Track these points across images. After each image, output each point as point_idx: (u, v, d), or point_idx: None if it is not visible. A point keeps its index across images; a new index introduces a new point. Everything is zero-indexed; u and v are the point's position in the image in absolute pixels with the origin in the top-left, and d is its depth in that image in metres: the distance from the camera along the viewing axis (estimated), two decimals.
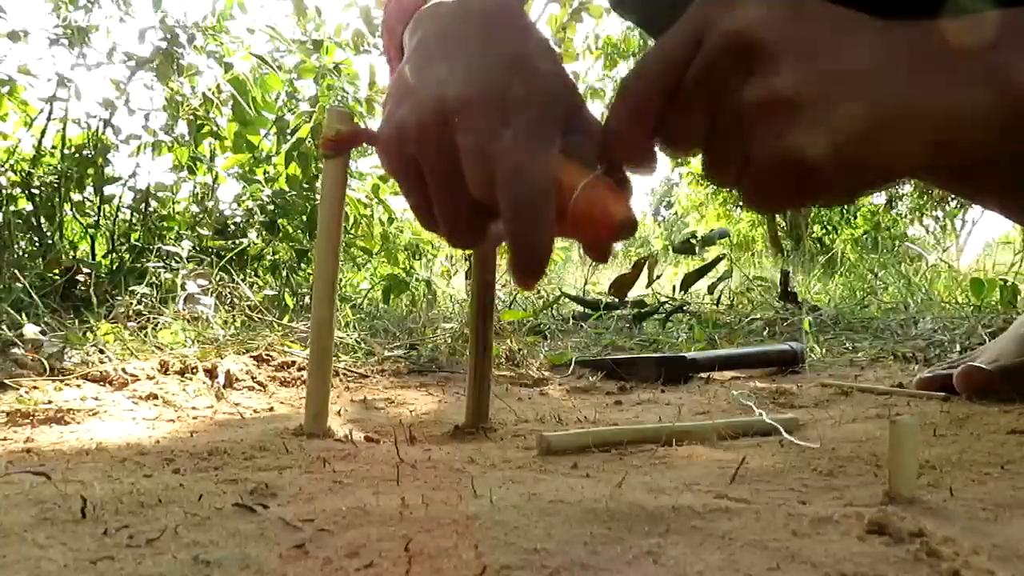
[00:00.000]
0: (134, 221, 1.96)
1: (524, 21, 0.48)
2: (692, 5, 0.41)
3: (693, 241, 2.12)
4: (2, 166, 1.78)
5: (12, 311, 1.19)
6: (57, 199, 1.80)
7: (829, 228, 9.50)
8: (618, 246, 0.47)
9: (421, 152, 0.44)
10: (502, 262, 0.84)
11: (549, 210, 0.41)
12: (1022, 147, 0.37)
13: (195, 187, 2.10)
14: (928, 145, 0.36)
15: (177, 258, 1.67)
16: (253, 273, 1.89)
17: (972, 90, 0.35)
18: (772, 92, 0.37)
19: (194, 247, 1.81)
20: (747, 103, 0.38)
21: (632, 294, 1.95)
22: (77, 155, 1.87)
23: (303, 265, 2.00)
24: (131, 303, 1.34)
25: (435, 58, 0.46)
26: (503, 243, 0.48)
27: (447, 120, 0.43)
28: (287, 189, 2.02)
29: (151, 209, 1.97)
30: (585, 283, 2.61)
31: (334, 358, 1.04)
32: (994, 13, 0.37)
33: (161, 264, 1.64)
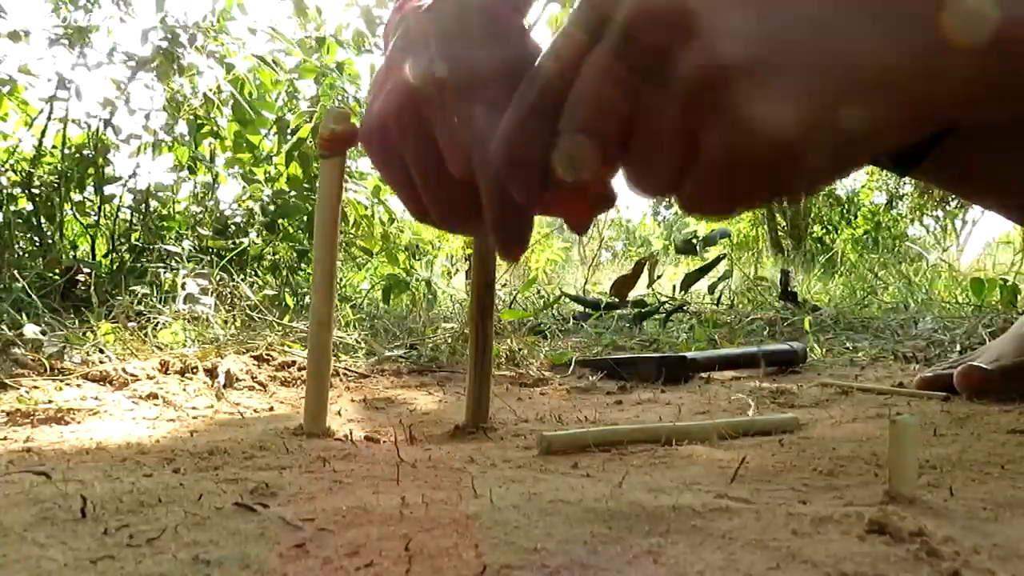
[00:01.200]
0: (134, 221, 1.96)
1: (498, 8, 0.47)
2: None
3: (694, 241, 2.12)
4: (3, 166, 1.78)
5: (12, 311, 1.19)
6: (57, 199, 1.80)
7: (829, 228, 9.50)
8: (601, 218, 0.45)
9: (400, 140, 0.45)
10: (502, 263, 0.84)
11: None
12: (1010, 105, 0.31)
13: (195, 187, 2.10)
14: (905, 103, 0.30)
15: (177, 258, 1.67)
16: (253, 273, 1.89)
17: (947, 29, 0.29)
18: (715, 61, 0.30)
19: (194, 247, 1.81)
20: (683, 84, 0.31)
21: (632, 294, 1.95)
22: (77, 155, 1.88)
23: (303, 265, 2.00)
24: (131, 303, 1.34)
25: (407, 49, 0.46)
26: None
27: (418, 102, 0.43)
28: (287, 189, 2.02)
29: (151, 209, 1.97)
30: (585, 283, 2.61)
31: (334, 358, 1.04)
32: None
33: (161, 264, 1.64)
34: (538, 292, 2.32)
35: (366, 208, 2.16)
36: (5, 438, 0.65)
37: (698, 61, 0.30)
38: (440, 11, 0.47)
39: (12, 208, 1.74)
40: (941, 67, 0.29)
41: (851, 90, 0.30)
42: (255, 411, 0.81)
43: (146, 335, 1.19)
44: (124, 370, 0.91)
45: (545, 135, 0.35)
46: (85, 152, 1.87)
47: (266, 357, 1.05)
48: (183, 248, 1.72)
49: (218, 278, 1.54)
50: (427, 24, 0.47)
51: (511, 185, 0.38)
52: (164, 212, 2.02)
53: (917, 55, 0.29)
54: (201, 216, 2.03)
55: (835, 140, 0.30)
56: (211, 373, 0.95)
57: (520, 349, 1.24)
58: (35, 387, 0.85)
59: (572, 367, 1.15)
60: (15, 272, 1.39)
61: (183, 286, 1.44)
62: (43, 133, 1.86)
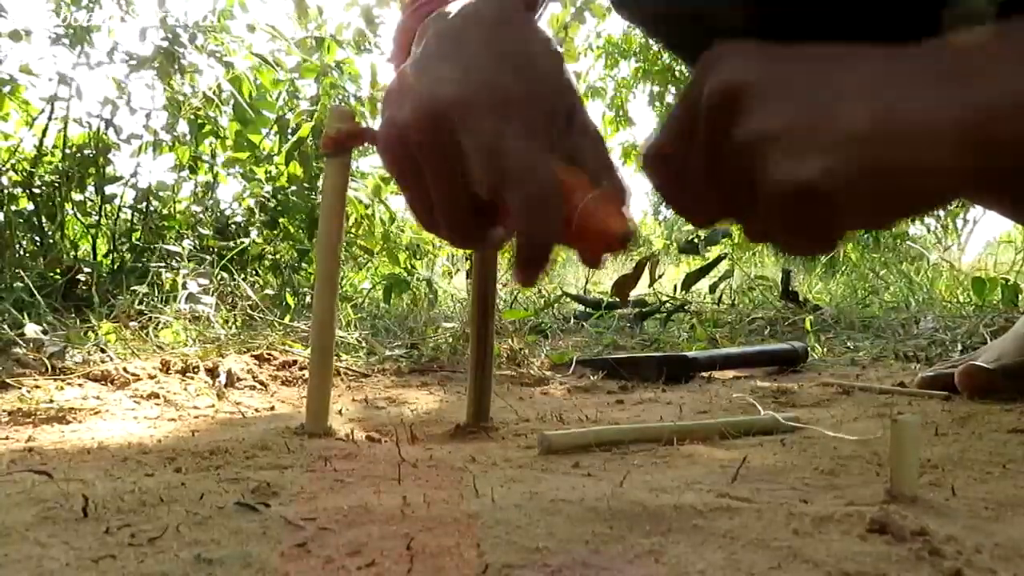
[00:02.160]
0: (135, 221, 1.96)
1: (527, 23, 0.48)
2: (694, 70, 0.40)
3: (696, 241, 2.12)
4: (4, 165, 1.78)
5: (14, 310, 1.19)
6: (58, 199, 1.80)
7: None
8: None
9: (422, 152, 0.45)
10: (503, 261, 0.84)
11: (559, 209, 0.42)
12: None
13: (195, 187, 2.10)
14: (959, 149, 0.32)
15: (178, 257, 1.67)
16: (254, 272, 1.89)
17: (991, 81, 0.32)
18: (758, 127, 0.36)
19: (195, 246, 1.81)
20: (738, 146, 0.37)
21: (633, 293, 1.95)
22: (78, 155, 1.87)
23: (304, 264, 2.00)
24: (132, 302, 1.34)
25: (436, 58, 0.46)
26: (505, 245, 0.48)
27: (448, 120, 0.43)
28: (288, 186, 2.02)
29: (152, 209, 1.97)
30: (586, 283, 2.61)
31: (335, 357, 1.04)
32: (996, 27, 0.34)
33: (162, 264, 1.64)
34: (539, 292, 2.32)
35: (367, 207, 2.16)
36: (7, 438, 0.65)
37: (744, 125, 0.36)
38: (463, 27, 0.47)
39: (13, 208, 1.74)
40: (997, 111, 0.32)
41: (884, 144, 0.33)
42: (256, 410, 0.81)
43: (147, 335, 1.19)
44: (125, 370, 0.92)
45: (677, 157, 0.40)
46: (86, 152, 1.87)
47: (267, 356, 1.05)
48: (184, 248, 1.72)
49: (219, 278, 1.54)
50: (454, 34, 0.47)
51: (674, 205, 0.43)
52: (165, 212, 2.01)
53: (969, 120, 0.32)
54: (202, 216, 2.03)
55: (879, 190, 0.34)
56: (212, 373, 0.95)
57: (521, 349, 1.24)
58: (36, 387, 0.85)
59: (573, 367, 1.15)
60: (16, 272, 1.39)
61: (184, 286, 1.44)
62: (44, 133, 1.86)
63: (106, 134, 1.89)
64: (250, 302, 1.48)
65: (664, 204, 0.43)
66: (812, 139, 0.34)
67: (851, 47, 0.36)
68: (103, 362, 0.97)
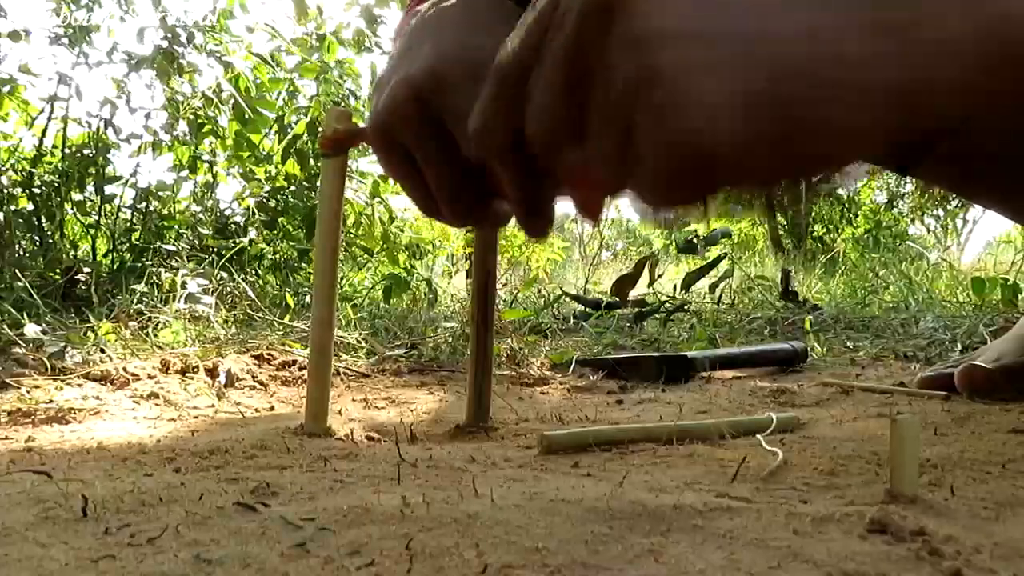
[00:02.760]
0: (135, 220, 1.96)
1: (498, 3, 0.47)
2: None
3: (696, 240, 2.12)
4: (3, 165, 1.78)
5: (13, 310, 1.19)
6: (58, 198, 1.80)
7: (830, 227, 9.50)
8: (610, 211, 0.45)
9: (407, 135, 0.44)
10: (503, 261, 0.84)
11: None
12: (1013, 112, 0.28)
13: (195, 186, 2.10)
14: (882, 114, 0.26)
15: (177, 257, 1.67)
16: (254, 272, 1.89)
17: (939, 28, 0.24)
18: (645, 60, 0.27)
19: (194, 246, 1.81)
20: (617, 82, 0.28)
21: (633, 293, 1.95)
22: (78, 154, 1.88)
23: (304, 264, 2.00)
24: (132, 302, 1.34)
25: (411, 46, 0.46)
26: (509, 220, 0.47)
27: (425, 97, 0.43)
28: (287, 186, 2.02)
29: (152, 208, 1.97)
30: (586, 282, 2.61)
31: (335, 357, 1.04)
32: None
33: (162, 263, 1.64)
34: (539, 291, 2.32)
35: (366, 207, 2.16)
36: (6, 438, 0.65)
37: (627, 55, 0.28)
38: (443, 9, 0.47)
39: (13, 208, 1.74)
40: (934, 74, 0.25)
41: (803, 101, 0.25)
42: (256, 410, 0.81)
43: (147, 334, 1.19)
44: (125, 369, 0.92)
45: (512, 120, 0.34)
46: (86, 152, 1.87)
47: (267, 356, 1.05)
48: (183, 248, 1.72)
49: (218, 277, 1.54)
50: (430, 20, 0.47)
51: (496, 170, 0.37)
52: (165, 211, 2.02)
53: (898, 55, 0.25)
54: (201, 215, 2.03)
55: (787, 153, 0.27)
56: (212, 373, 0.95)
57: (521, 348, 1.24)
58: (36, 387, 0.85)
59: (573, 366, 1.15)
60: (16, 272, 1.39)
61: (183, 285, 1.44)
62: (44, 133, 1.86)
63: (106, 134, 1.89)
64: (250, 302, 1.48)
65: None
66: (721, 82, 0.26)
67: None
68: (103, 362, 0.97)
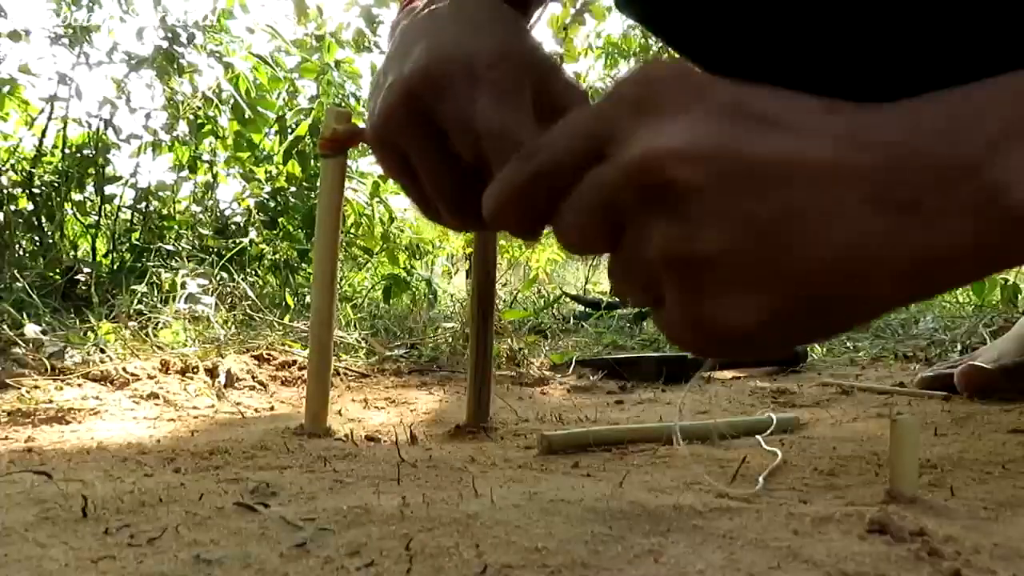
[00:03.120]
0: (135, 221, 1.96)
1: (493, 4, 0.47)
2: (600, 101, 0.33)
3: None
4: (3, 165, 1.78)
5: (13, 310, 1.19)
6: (58, 199, 1.80)
7: None
8: None
9: (402, 136, 0.44)
10: (503, 262, 0.84)
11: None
12: (1007, 268, 0.29)
13: (195, 187, 2.10)
14: (895, 290, 0.28)
15: (177, 257, 1.67)
16: (253, 272, 1.89)
17: (952, 222, 0.26)
18: (687, 249, 0.28)
19: (194, 246, 1.81)
20: (655, 253, 0.30)
21: None
22: (78, 155, 1.87)
23: (304, 264, 2.00)
24: (132, 302, 1.34)
25: (404, 46, 0.46)
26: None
27: (419, 98, 0.43)
28: (287, 186, 2.03)
29: (152, 208, 1.97)
30: (586, 283, 2.61)
31: (335, 358, 1.04)
32: (982, 92, 0.28)
33: (162, 264, 1.64)
34: (539, 292, 2.32)
35: (366, 207, 2.16)
36: (6, 438, 0.65)
37: (668, 237, 0.29)
38: (437, 9, 0.47)
39: (13, 208, 1.74)
40: (944, 259, 0.27)
41: (826, 291, 0.28)
42: (256, 411, 0.81)
43: (147, 335, 1.19)
44: (125, 370, 0.92)
45: (539, 203, 0.34)
46: (85, 152, 1.87)
47: (267, 357, 1.05)
48: (183, 248, 1.72)
49: (218, 278, 1.54)
50: (423, 20, 0.47)
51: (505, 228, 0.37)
52: (164, 212, 2.02)
53: (915, 250, 0.27)
54: (201, 215, 2.03)
55: (803, 328, 0.29)
56: (212, 373, 0.95)
57: (521, 349, 1.24)
58: (36, 387, 0.85)
59: (573, 367, 1.15)
60: (16, 272, 1.39)
61: (183, 286, 1.44)
62: (44, 133, 1.86)
63: (105, 134, 1.89)
64: (250, 302, 1.48)
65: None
66: (754, 278, 0.28)
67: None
68: (102, 362, 0.97)
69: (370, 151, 0.61)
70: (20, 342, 1.01)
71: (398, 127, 0.44)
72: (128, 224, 1.97)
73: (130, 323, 1.23)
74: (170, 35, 1.90)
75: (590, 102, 0.43)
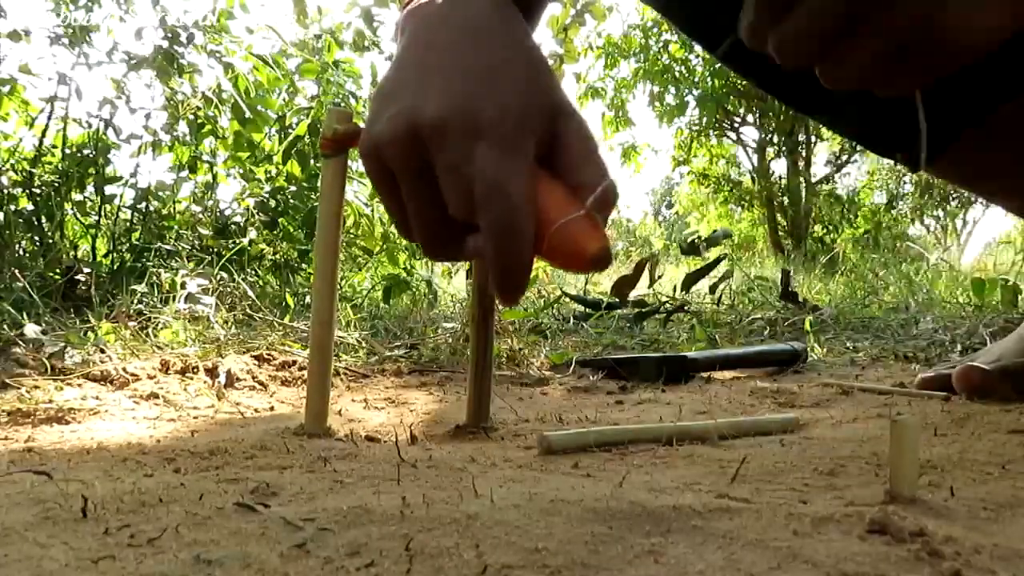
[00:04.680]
0: (135, 221, 1.96)
1: (506, 29, 0.47)
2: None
3: (697, 242, 2.12)
4: (3, 165, 1.78)
5: (13, 310, 1.19)
6: (58, 199, 1.80)
7: (830, 227, 9.50)
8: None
9: (396, 168, 0.44)
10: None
11: (529, 229, 0.41)
12: None
13: (195, 187, 2.10)
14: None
15: (177, 257, 1.67)
16: (254, 272, 1.89)
17: None
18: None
19: (194, 246, 1.81)
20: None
21: (633, 294, 1.95)
22: (78, 155, 1.88)
23: (304, 264, 2.00)
24: (131, 302, 1.34)
25: (411, 68, 0.46)
26: (480, 255, 0.47)
27: (420, 142, 0.43)
28: (287, 186, 2.03)
29: (152, 209, 1.97)
30: (586, 283, 2.61)
31: (335, 358, 1.04)
32: None
33: (162, 264, 1.64)
34: (539, 292, 2.32)
35: (366, 208, 2.16)
36: (6, 438, 0.65)
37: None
38: (441, 29, 0.46)
39: (13, 208, 1.74)
40: None
41: None
42: (256, 411, 0.81)
43: (146, 335, 1.19)
44: (125, 370, 0.92)
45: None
46: (85, 152, 1.87)
47: (267, 357, 1.05)
48: (183, 248, 1.72)
49: (218, 278, 1.54)
50: (430, 45, 0.46)
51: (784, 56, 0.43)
52: (164, 212, 2.02)
53: None
54: (201, 216, 2.03)
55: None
56: (212, 373, 0.95)
57: (521, 349, 1.24)
58: (36, 387, 0.85)
59: (573, 367, 1.15)
60: (16, 272, 1.39)
61: (183, 286, 1.44)
62: (43, 133, 1.86)
63: (105, 134, 1.89)
64: (250, 302, 1.48)
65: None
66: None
67: None
68: (102, 362, 0.97)
69: None
70: (20, 342, 1.01)
71: (395, 159, 0.44)
72: (128, 224, 1.97)
73: (130, 323, 1.23)
74: (170, 35, 1.90)
75: (595, 147, 0.44)
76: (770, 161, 9.59)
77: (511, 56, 0.45)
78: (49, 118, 1.86)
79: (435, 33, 0.47)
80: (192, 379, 0.93)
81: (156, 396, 0.84)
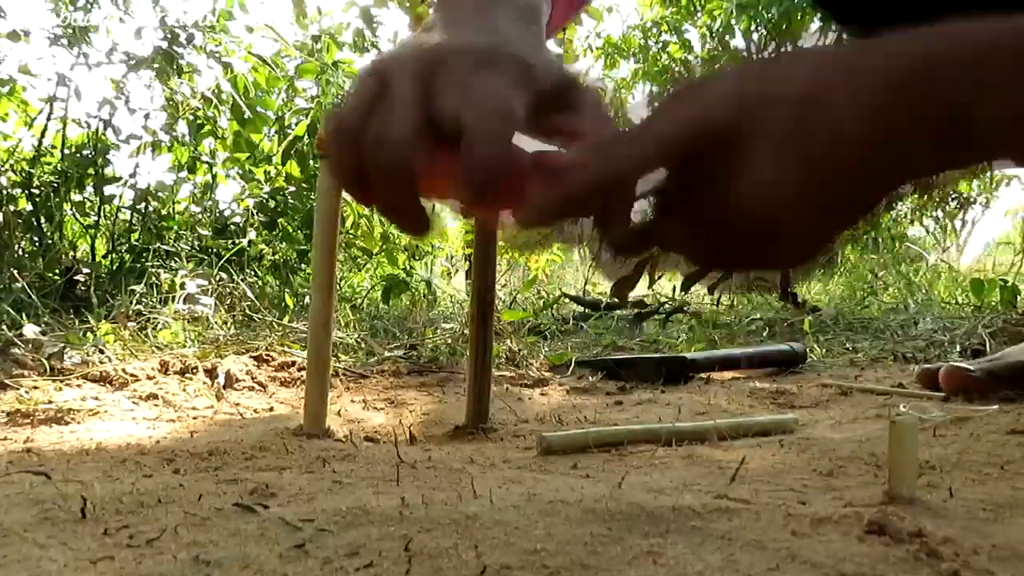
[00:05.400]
0: (134, 221, 1.96)
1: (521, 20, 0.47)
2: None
3: None
4: (2, 166, 1.78)
5: (12, 311, 1.19)
6: (57, 199, 1.80)
7: None
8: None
9: (393, 78, 0.43)
10: (502, 262, 0.84)
11: (508, 132, 0.39)
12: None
13: (195, 187, 2.10)
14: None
15: (177, 258, 1.67)
16: (253, 273, 1.89)
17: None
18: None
19: (193, 247, 1.81)
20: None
21: (633, 294, 1.95)
22: (77, 155, 1.87)
23: (303, 265, 2.00)
24: (131, 303, 1.34)
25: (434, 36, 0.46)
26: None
27: (428, 63, 0.42)
28: (286, 187, 2.03)
29: (151, 209, 1.97)
30: (585, 283, 2.61)
31: (334, 358, 1.04)
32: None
33: (161, 264, 1.64)
34: (538, 292, 2.32)
35: (365, 208, 2.16)
36: (5, 438, 0.65)
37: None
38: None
39: (12, 208, 1.74)
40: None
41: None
42: (255, 411, 0.81)
43: (146, 335, 1.19)
44: (124, 370, 0.91)
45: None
46: (85, 152, 1.87)
47: (266, 357, 1.05)
48: (182, 248, 1.72)
49: (218, 278, 1.54)
50: (446, 16, 0.47)
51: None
52: (164, 212, 2.01)
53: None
54: (200, 216, 2.03)
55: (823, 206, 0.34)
56: (211, 373, 0.95)
57: (520, 349, 1.24)
58: (35, 387, 0.85)
59: (572, 367, 1.15)
60: (15, 272, 1.39)
61: (183, 286, 1.44)
62: (43, 133, 1.86)
63: (105, 134, 1.89)
64: (249, 303, 1.48)
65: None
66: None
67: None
68: (102, 363, 0.97)
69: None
70: (19, 342, 1.01)
71: (395, 71, 0.42)
72: (127, 225, 1.96)
73: (129, 323, 1.23)
74: (169, 35, 1.90)
75: (605, 113, 0.44)
76: None
77: (520, 29, 0.46)
78: (48, 118, 1.86)
79: (450, 11, 0.48)
80: (191, 380, 0.93)
81: (155, 397, 0.84)
